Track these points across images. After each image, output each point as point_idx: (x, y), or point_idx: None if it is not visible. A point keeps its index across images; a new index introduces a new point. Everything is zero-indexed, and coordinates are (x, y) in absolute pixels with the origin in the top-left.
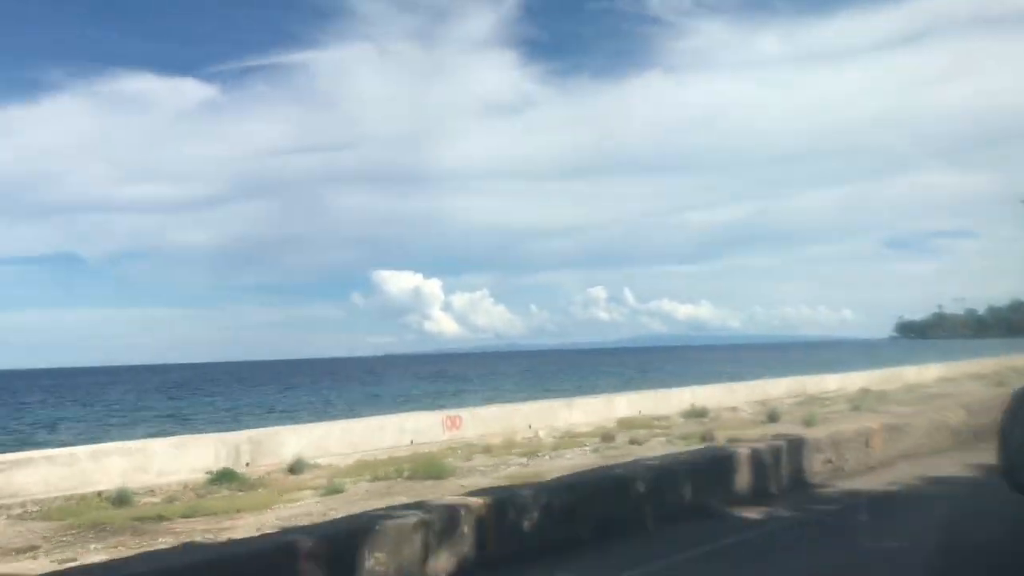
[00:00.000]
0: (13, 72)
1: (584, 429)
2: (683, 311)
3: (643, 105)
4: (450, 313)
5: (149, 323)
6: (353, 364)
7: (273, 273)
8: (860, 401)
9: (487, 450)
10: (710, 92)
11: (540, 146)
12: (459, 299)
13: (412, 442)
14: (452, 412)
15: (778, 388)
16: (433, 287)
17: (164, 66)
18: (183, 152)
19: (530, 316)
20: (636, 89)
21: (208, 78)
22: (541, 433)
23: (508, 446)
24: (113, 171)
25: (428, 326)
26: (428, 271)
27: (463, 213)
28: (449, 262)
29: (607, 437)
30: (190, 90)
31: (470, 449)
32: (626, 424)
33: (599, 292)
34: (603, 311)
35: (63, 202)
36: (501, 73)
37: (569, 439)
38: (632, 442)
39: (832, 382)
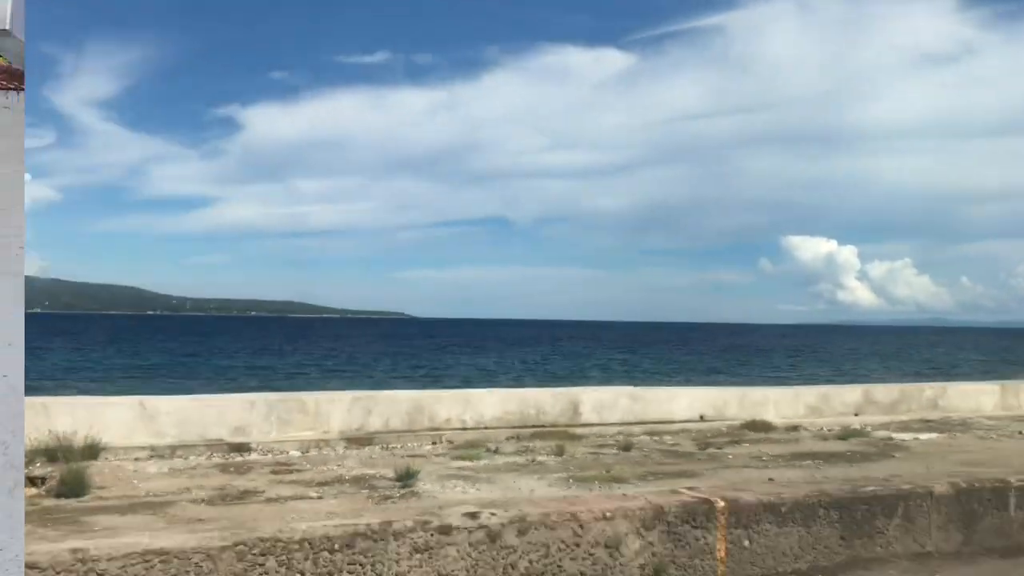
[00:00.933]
0: (459, 53)
1: None
2: None
3: None
4: (866, 283)
5: (565, 283)
6: (748, 331)
7: (682, 237)
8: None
9: None
10: None
11: (980, 99)
12: (877, 268)
13: None
14: None
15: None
16: (848, 255)
17: (586, 38)
18: (601, 120)
19: (961, 289)
20: None
21: (627, 47)
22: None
23: None
24: (539, 140)
25: (841, 296)
26: (843, 237)
27: (885, 175)
28: (867, 228)
29: None
30: (610, 60)
31: None
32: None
33: None
34: None
35: (497, 169)
36: (935, 20)
37: None
38: None
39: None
